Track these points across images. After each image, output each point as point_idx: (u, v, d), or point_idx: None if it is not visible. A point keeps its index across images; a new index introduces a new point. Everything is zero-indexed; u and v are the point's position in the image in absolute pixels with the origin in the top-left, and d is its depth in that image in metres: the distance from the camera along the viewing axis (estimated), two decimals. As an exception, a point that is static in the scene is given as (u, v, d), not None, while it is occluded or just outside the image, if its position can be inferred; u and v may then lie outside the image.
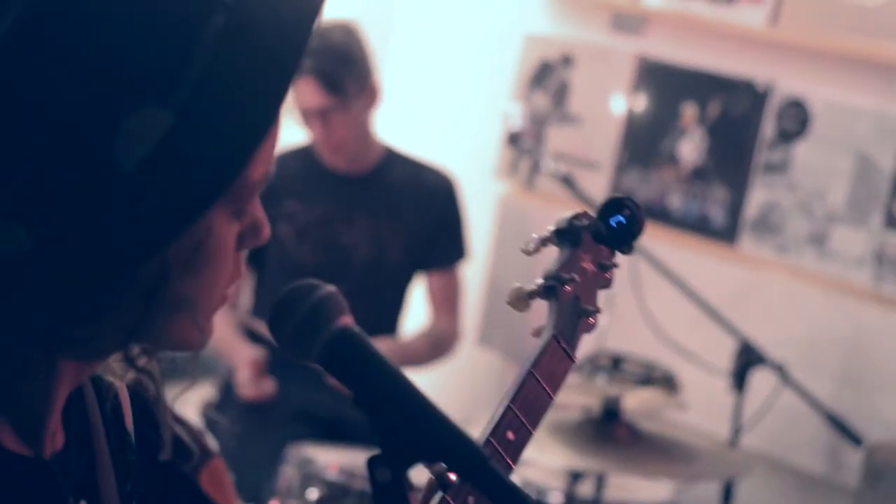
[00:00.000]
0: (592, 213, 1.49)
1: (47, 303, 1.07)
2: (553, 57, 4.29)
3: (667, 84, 4.04)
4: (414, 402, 1.13)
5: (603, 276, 1.50)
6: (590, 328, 1.48)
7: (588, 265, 1.49)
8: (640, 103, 4.10)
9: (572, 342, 1.44)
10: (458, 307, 4.02)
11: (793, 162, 3.77)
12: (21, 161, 1.05)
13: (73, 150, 1.04)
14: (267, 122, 1.08)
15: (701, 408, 3.58)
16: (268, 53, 1.07)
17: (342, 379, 1.14)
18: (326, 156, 3.85)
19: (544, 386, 1.38)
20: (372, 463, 1.12)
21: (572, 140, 4.24)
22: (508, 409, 1.33)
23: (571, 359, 1.43)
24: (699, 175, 3.95)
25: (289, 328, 1.15)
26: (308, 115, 3.76)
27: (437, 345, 3.96)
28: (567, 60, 4.27)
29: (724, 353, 3.48)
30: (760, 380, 3.47)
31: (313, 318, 1.14)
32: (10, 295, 1.06)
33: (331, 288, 1.17)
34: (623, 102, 4.13)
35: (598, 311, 1.48)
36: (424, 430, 1.12)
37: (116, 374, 1.24)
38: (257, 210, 1.17)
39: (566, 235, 1.48)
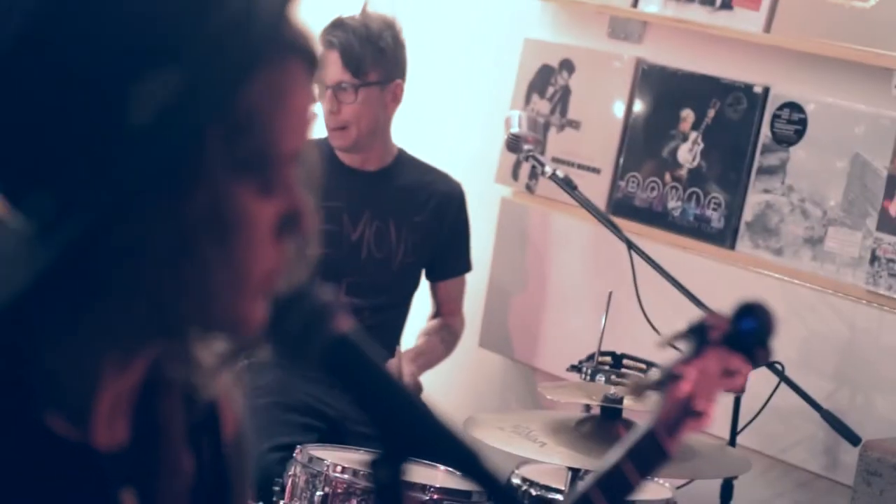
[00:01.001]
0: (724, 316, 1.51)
1: (72, 276, 1.10)
2: (553, 62, 4.34)
3: (665, 89, 4.09)
4: (409, 406, 1.18)
5: (729, 381, 1.53)
6: (697, 428, 1.50)
7: (713, 366, 1.51)
8: (639, 108, 4.14)
9: (672, 436, 1.46)
10: (462, 303, 4.11)
11: (789, 165, 3.81)
12: (44, 130, 1.09)
13: (89, 114, 1.08)
14: (247, 63, 1.10)
15: (700, 407, 3.62)
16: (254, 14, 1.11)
17: (340, 384, 1.19)
18: (330, 139, 3.91)
19: (628, 474, 1.40)
20: (373, 465, 1.18)
21: (572, 144, 4.29)
22: (587, 493, 1.36)
23: (666, 453, 1.45)
24: (697, 179, 4.00)
25: (288, 333, 1.19)
26: (325, 90, 3.84)
27: (453, 342, 4.10)
28: (567, 65, 4.31)
29: (721, 354, 3.52)
30: (758, 379, 3.51)
31: (310, 326, 1.18)
32: (38, 270, 1.09)
33: (329, 291, 1.20)
34: (622, 107, 4.17)
35: (708, 414, 1.50)
36: (421, 432, 1.17)
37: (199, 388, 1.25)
38: (297, 196, 1.17)
39: (695, 335, 1.52)
